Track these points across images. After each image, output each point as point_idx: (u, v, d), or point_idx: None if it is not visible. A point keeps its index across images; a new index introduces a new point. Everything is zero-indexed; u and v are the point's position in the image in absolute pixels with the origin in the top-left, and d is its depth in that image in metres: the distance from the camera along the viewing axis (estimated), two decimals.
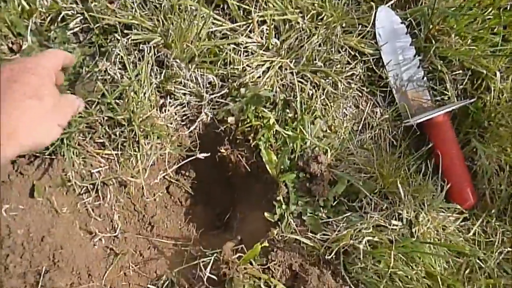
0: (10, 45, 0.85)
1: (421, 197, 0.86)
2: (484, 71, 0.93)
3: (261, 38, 0.95)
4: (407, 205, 0.84)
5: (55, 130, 0.65)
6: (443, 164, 0.89)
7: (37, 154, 0.82)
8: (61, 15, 0.89)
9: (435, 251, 0.80)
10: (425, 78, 0.97)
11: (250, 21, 0.94)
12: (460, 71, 0.95)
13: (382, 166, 0.88)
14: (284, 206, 0.88)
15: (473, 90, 0.96)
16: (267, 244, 0.81)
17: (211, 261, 0.81)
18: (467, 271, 0.84)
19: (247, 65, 0.93)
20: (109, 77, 0.87)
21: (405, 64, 0.96)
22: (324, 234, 0.85)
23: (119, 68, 0.88)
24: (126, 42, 0.88)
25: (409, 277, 0.79)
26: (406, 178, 0.88)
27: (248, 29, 0.94)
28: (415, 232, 0.82)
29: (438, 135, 0.91)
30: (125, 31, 0.89)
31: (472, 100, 0.92)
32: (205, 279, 0.79)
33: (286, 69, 0.95)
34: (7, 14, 0.84)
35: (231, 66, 0.93)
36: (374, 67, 0.97)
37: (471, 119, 0.94)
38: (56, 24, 0.89)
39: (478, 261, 0.84)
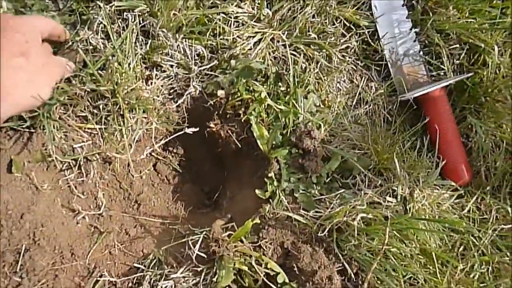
0: None
1: (416, 174, 0.84)
2: (482, 45, 0.90)
3: (252, 8, 0.91)
4: (401, 182, 0.82)
5: (44, 90, 0.64)
6: (439, 140, 0.87)
7: (15, 127, 0.77)
8: None
9: (429, 227, 0.79)
10: (421, 52, 0.94)
11: None
12: (457, 45, 0.93)
13: (376, 142, 0.86)
14: (275, 183, 0.85)
15: (470, 65, 0.93)
16: (258, 221, 0.79)
17: (200, 239, 0.78)
18: (461, 248, 0.83)
19: (237, 36, 0.88)
20: (91, 47, 0.82)
21: (401, 38, 0.93)
22: (316, 212, 0.82)
23: (102, 38, 0.83)
24: (109, 10, 0.83)
25: (403, 254, 0.78)
26: (401, 155, 0.86)
27: None
28: (410, 209, 0.80)
29: (434, 110, 0.88)
30: None
31: (469, 75, 0.90)
32: (193, 257, 0.76)
33: (278, 41, 0.91)
34: None
35: (221, 37, 0.88)
36: (370, 40, 0.93)
37: (468, 95, 0.92)
38: None
39: (472, 238, 0.83)
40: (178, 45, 0.87)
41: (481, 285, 0.81)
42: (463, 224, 0.77)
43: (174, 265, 0.80)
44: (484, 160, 0.90)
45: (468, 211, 0.86)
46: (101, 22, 0.82)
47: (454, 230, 0.84)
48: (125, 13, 0.85)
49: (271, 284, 0.75)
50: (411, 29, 0.93)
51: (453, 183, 0.87)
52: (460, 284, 0.78)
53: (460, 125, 0.92)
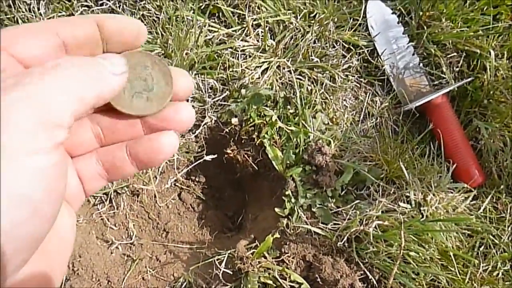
0: None
1: (428, 179, 0.87)
2: (478, 51, 0.94)
3: (257, 40, 0.99)
4: (413, 188, 0.85)
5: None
6: (446, 144, 0.90)
7: None
8: None
9: (445, 229, 0.81)
10: (421, 64, 0.99)
11: (245, 25, 0.98)
12: (455, 54, 0.97)
13: (386, 153, 0.89)
14: (293, 200, 0.89)
15: (470, 70, 0.97)
16: (278, 236, 0.83)
17: (225, 258, 0.83)
18: (481, 248, 0.84)
19: (245, 67, 0.96)
20: None
21: (399, 53, 0.98)
22: (335, 224, 0.86)
23: None
24: None
25: (423, 257, 0.80)
26: (411, 162, 0.89)
27: (244, 33, 0.98)
28: (425, 212, 0.83)
29: (439, 116, 0.92)
30: None
31: (469, 80, 0.94)
32: (220, 275, 0.80)
33: (284, 67, 0.97)
34: None
35: (231, 70, 0.96)
36: (370, 58, 0.99)
37: (471, 99, 0.95)
38: None
39: (491, 237, 0.84)
40: (192, 80, 0.94)
41: (507, 283, 0.81)
42: (473, 220, 0.78)
43: (204, 286, 0.85)
44: (495, 160, 0.92)
45: (484, 211, 0.88)
46: None
47: (473, 231, 0.85)
48: None
49: None
50: (408, 44, 0.98)
51: (466, 185, 0.89)
52: (484, 283, 0.79)
53: (467, 128, 0.95)
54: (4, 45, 0.30)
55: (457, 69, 0.98)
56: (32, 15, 0.93)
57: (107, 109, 0.37)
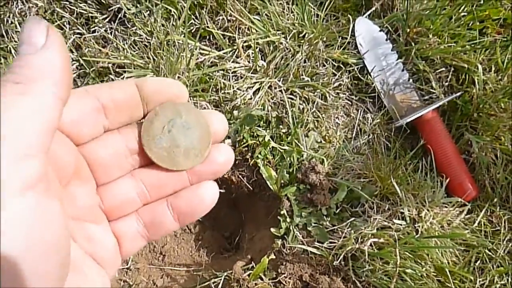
0: None
1: (421, 194, 0.87)
2: (466, 66, 0.95)
3: (248, 61, 1.00)
4: (407, 204, 0.85)
5: None
6: (438, 159, 0.90)
7: None
8: None
9: (441, 245, 0.81)
10: (410, 80, 1.00)
11: (235, 47, 0.99)
12: (443, 69, 0.98)
13: (379, 169, 0.90)
14: (288, 220, 0.89)
15: (459, 85, 0.98)
16: (274, 257, 0.83)
17: (222, 281, 0.82)
18: (477, 263, 0.84)
19: (237, 89, 0.97)
20: None
21: (389, 69, 1.00)
22: (331, 242, 0.86)
23: None
24: None
25: (420, 274, 0.80)
26: (405, 178, 0.90)
27: (235, 54, 0.99)
28: (420, 228, 0.83)
29: (430, 131, 0.93)
30: (119, 71, 0.94)
31: (458, 94, 0.95)
32: None
33: (275, 87, 0.98)
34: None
35: (223, 91, 0.97)
36: (360, 75, 1.00)
37: (461, 113, 0.96)
38: None
39: (487, 251, 0.84)
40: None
41: None
42: (468, 235, 0.78)
43: None
44: (488, 172, 0.92)
45: (479, 224, 0.88)
46: None
47: (468, 246, 0.86)
48: None
49: None
50: (397, 60, 1.00)
51: (460, 199, 0.89)
52: None
53: (458, 142, 0.96)
54: None
55: (446, 83, 0.99)
56: None
57: (151, 163, 0.37)
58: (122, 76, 0.93)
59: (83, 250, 0.33)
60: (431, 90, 0.99)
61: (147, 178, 0.37)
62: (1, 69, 0.90)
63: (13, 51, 0.93)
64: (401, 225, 0.84)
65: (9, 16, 0.96)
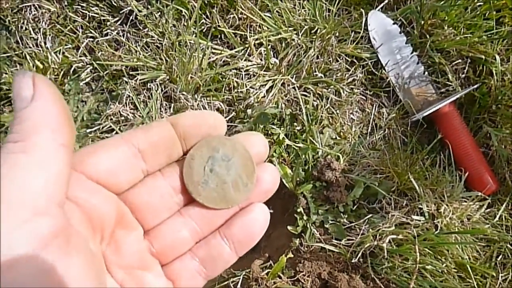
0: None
1: (440, 189, 0.86)
2: (483, 57, 0.93)
3: (260, 59, 0.99)
4: (426, 199, 0.84)
5: None
6: (456, 153, 0.89)
7: None
8: (73, 68, 0.95)
9: (461, 240, 0.80)
10: (426, 73, 0.98)
11: (247, 45, 0.98)
12: (460, 60, 0.96)
13: (396, 165, 0.89)
14: (305, 217, 0.89)
15: (476, 76, 0.96)
16: (292, 256, 0.83)
17: (241, 280, 0.83)
18: (499, 258, 0.83)
19: (250, 87, 0.96)
20: (122, 118, 0.92)
21: (404, 63, 0.98)
22: (348, 239, 0.85)
23: (131, 109, 0.93)
24: (134, 83, 0.94)
25: (440, 270, 0.79)
26: (422, 173, 0.88)
27: (247, 53, 0.99)
28: (439, 224, 0.82)
29: (447, 125, 0.91)
30: (132, 73, 0.95)
31: (475, 86, 0.93)
32: None
33: (288, 85, 0.98)
34: None
35: (235, 90, 0.97)
36: (374, 70, 0.99)
37: (479, 105, 0.94)
38: (69, 77, 0.96)
39: (509, 246, 0.83)
40: (198, 103, 0.95)
41: None
42: (488, 230, 0.77)
43: None
44: (508, 165, 0.90)
45: (500, 218, 0.86)
46: (129, 95, 0.93)
47: (490, 240, 0.84)
48: (148, 84, 0.95)
49: None
50: (412, 53, 0.98)
51: (480, 193, 0.88)
52: None
53: (477, 135, 0.94)
54: (75, 163, 0.30)
55: (463, 75, 0.97)
56: (40, 50, 0.95)
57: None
58: (135, 79, 0.94)
59: None
60: (447, 82, 0.97)
61: (196, 215, 0.36)
62: None
63: (28, 57, 0.94)
64: (419, 221, 0.83)
65: (23, 23, 0.97)
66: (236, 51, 0.98)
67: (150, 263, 0.34)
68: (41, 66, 0.94)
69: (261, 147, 0.37)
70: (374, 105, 0.99)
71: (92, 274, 0.27)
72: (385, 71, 0.98)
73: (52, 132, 0.26)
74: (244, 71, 0.98)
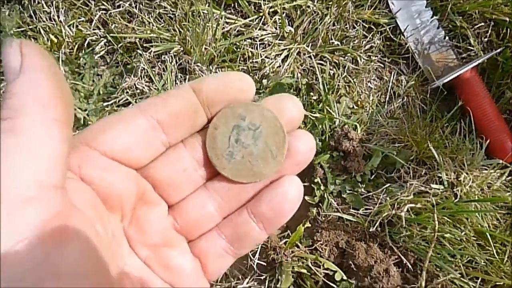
0: None
1: (460, 158, 0.85)
2: (507, 19, 0.89)
3: (275, 28, 0.97)
4: (445, 168, 0.83)
5: None
6: (477, 120, 0.87)
7: None
8: (87, 42, 0.95)
9: (481, 209, 0.79)
10: (446, 38, 0.95)
11: (261, 14, 0.96)
12: (482, 24, 0.92)
13: (415, 133, 0.87)
14: (322, 187, 0.89)
15: (499, 40, 0.92)
16: (309, 225, 0.83)
17: (259, 249, 0.84)
18: None
19: (265, 57, 0.95)
20: (138, 91, 0.92)
21: (423, 27, 0.95)
22: (366, 209, 0.85)
23: (146, 81, 0.93)
24: (148, 56, 0.93)
25: (459, 238, 0.78)
26: (442, 141, 0.87)
27: (261, 22, 0.97)
28: (458, 192, 0.81)
29: (468, 91, 0.89)
30: (146, 46, 0.94)
31: (498, 50, 0.89)
32: (255, 266, 0.82)
33: (304, 53, 0.96)
34: None
35: (250, 61, 0.95)
36: (392, 36, 0.96)
37: (502, 70, 0.90)
38: (83, 51, 0.96)
39: None
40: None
41: None
42: (508, 199, 0.76)
43: (240, 277, 0.87)
44: None
45: None
46: (144, 68, 0.92)
47: (510, 208, 0.83)
48: (162, 56, 0.94)
49: (331, 284, 0.79)
50: (432, 17, 0.94)
51: (501, 161, 0.86)
52: None
53: (499, 101, 0.91)
54: (88, 140, 0.28)
55: (486, 39, 0.93)
56: (53, 24, 0.95)
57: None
58: (149, 51, 0.93)
59: (162, 280, 0.31)
60: (469, 47, 0.94)
61: (222, 189, 0.33)
62: None
63: (42, 31, 0.94)
64: (439, 189, 0.82)
65: None
66: (250, 20, 0.96)
67: (175, 240, 0.33)
68: (56, 40, 0.93)
69: (293, 111, 0.33)
70: (393, 73, 0.96)
71: (92, 262, 0.25)
72: (404, 37, 0.95)
73: (43, 106, 0.23)
74: (259, 41, 0.96)
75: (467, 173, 0.83)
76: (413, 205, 0.79)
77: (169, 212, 0.33)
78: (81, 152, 0.28)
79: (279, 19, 0.96)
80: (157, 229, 0.32)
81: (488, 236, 0.76)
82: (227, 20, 0.96)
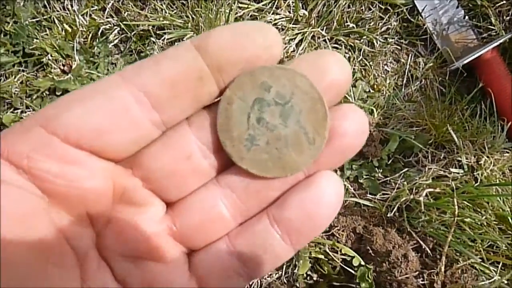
0: (62, 67, 0.93)
1: (480, 141, 0.83)
2: None
3: (289, 12, 0.96)
4: (465, 151, 0.81)
5: None
6: (498, 102, 0.84)
7: None
8: (100, 30, 0.95)
9: (502, 192, 0.77)
10: (466, 17, 0.92)
11: None
12: (504, 1, 0.89)
13: (433, 116, 0.85)
14: (339, 173, 0.88)
15: None
16: None
17: None
18: None
19: None
20: None
21: (442, 7, 0.92)
22: (383, 194, 0.84)
23: None
24: (161, 43, 0.93)
25: (479, 223, 0.77)
26: (462, 124, 0.85)
27: (274, 5, 0.95)
28: (479, 176, 0.79)
29: (489, 72, 0.86)
30: (159, 33, 0.94)
31: None
32: None
33: (318, 37, 0.94)
34: (54, 39, 0.92)
35: None
36: (409, 17, 0.93)
37: None
38: (97, 40, 0.96)
39: None
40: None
41: None
42: None
43: None
44: None
45: None
46: None
47: None
48: (176, 43, 0.94)
49: (348, 269, 0.79)
50: None
51: None
52: None
53: None
54: (45, 120, 0.21)
55: (508, 18, 0.90)
56: (67, 13, 0.95)
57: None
58: (163, 38, 0.92)
59: None
60: (490, 27, 0.91)
61: (240, 184, 0.25)
62: (48, 40, 0.92)
63: (56, 21, 0.94)
64: (458, 173, 0.80)
65: None
66: (263, 5, 0.95)
67: (167, 251, 0.25)
68: (70, 30, 0.94)
69: (337, 74, 0.23)
70: (410, 55, 0.94)
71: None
72: (422, 17, 0.92)
73: None
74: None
75: (487, 157, 0.81)
76: (432, 189, 0.78)
77: (167, 212, 0.25)
78: (32, 137, 0.21)
79: (292, 2, 0.94)
80: (143, 236, 0.24)
81: (510, 220, 0.74)
82: (240, 5, 0.95)
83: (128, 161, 0.24)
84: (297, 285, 0.82)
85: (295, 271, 0.82)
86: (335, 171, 0.85)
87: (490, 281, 0.74)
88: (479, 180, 0.79)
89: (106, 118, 0.22)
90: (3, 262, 0.19)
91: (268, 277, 0.84)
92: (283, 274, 0.83)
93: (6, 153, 0.21)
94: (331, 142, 0.24)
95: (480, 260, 0.74)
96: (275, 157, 0.24)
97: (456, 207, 0.72)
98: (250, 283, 0.84)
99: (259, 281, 0.85)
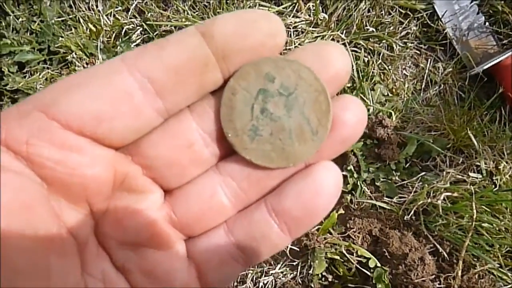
0: (85, 65, 0.95)
1: (499, 146, 0.83)
2: None
3: (309, 15, 0.97)
4: (484, 156, 0.81)
5: None
6: None
7: None
8: (124, 30, 0.97)
9: None
10: (486, 23, 0.92)
11: (295, 0, 0.96)
12: None
13: (452, 121, 0.85)
14: (355, 175, 0.88)
15: None
16: (343, 212, 0.83)
17: None
18: None
19: (299, 44, 0.95)
20: None
21: (462, 13, 0.92)
22: (400, 197, 0.84)
23: None
24: None
25: (497, 228, 0.77)
26: (481, 129, 0.85)
27: (295, 9, 0.96)
28: (497, 182, 0.79)
29: (509, 78, 0.86)
30: None
31: None
32: (287, 252, 0.83)
33: (338, 41, 0.95)
34: (79, 38, 0.95)
35: (284, 48, 0.95)
36: (429, 22, 0.94)
37: None
38: (120, 39, 0.98)
39: None
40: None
41: None
42: None
43: (272, 262, 0.87)
44: None
45: None
46: None
47: None
48: None
49: (364, 271, 0.79)
50: (471, 3, 0.92)
51: None
52: None
53: None
54: (45, 104, 0.21)
55: None
56: (92, 13, 0.98)
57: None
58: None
59: None
60: (510, 33, 0.91)
61: (241, 173, 0.25)
62: (73, 39, 0.94)
63: (81, 20, 0.97)
64: (477, 178, 0.80)
65: None
66: (284, 7, 0.96)
67: (166, 239, 0.25)
68: (94, 29, 0.96)
69: (339, 65, 0.24)
70: (429, 60, 0.94)
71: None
72: (442, 22, 0.92)
73: None
74: (293, 28, 0.96)
75: (506, 162, 0.81)
76: (449, 193, 0.78)
77: (166, 199, 0.25)
78: (31, 122, 0.21)
79: (313, 6, 0.95)
80: (142, 224, 0.24)
81: None
82: (261, 7, 0.96)
83: (127, 148, 0.24)
84: (312, 285, 0.82)
85: (310, 271, 0.82)
86: (352, 172, 0.86)
87: (508, 287, 0.74)
88: (497, 185, 0.78)
89: (108, 104, 0.21)
90: (4, 254, 0.18)
91: (282, 277, 0.85)
92: (298, 274, 0.84)
93: (3, 138, 0.20)
94: (332, 132, 0.24)
95: (498, 265, 0.74)
96: (278, 147, 0.24)
97: (475, 211, 0.72)
98: (265, 282, 0.85)
99: (273, 281, 0.85)
